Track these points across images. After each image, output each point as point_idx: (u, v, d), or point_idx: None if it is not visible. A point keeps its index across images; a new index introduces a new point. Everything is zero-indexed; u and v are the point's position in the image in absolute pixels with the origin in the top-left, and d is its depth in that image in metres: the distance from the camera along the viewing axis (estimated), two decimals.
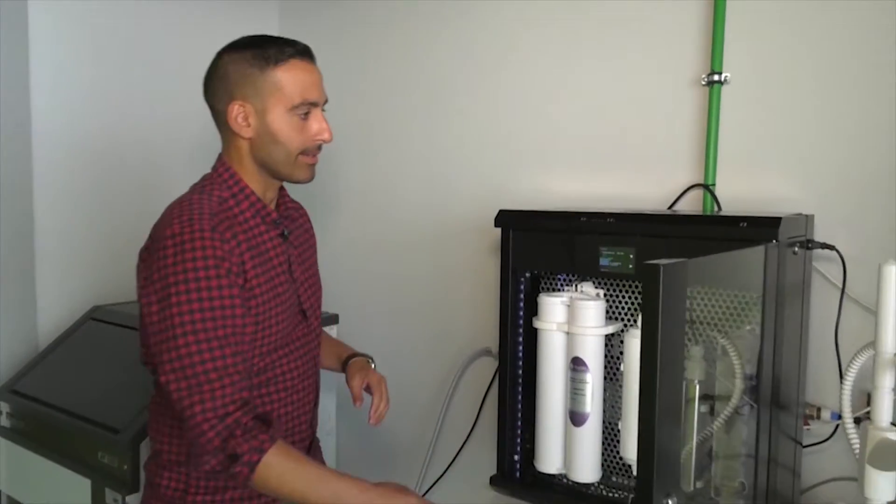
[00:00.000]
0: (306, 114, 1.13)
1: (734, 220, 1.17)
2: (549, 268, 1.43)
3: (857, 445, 1.19)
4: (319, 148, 1.17)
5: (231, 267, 1.05)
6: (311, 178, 1.18)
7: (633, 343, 1.31)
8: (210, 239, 1.03)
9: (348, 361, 1.38)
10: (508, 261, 1.44)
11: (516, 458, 1.48)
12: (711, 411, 1.29)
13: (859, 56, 1.31)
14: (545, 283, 1.51)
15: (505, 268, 1.45)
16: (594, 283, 1.42)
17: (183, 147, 2.00)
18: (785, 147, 1.40)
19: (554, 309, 1.39)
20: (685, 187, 1.51)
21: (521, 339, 1.47)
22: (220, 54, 1.15)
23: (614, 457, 1.42)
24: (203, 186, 1.14)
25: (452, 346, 1.86)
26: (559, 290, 1.49)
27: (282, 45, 1.13)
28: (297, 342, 1.20)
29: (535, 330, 1.42)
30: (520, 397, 1.48)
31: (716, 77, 1.44)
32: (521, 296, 1.47)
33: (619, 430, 1.39)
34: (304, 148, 1.15)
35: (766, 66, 1.42)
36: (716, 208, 1.46)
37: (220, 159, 1.18)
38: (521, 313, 1.47)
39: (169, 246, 1.02)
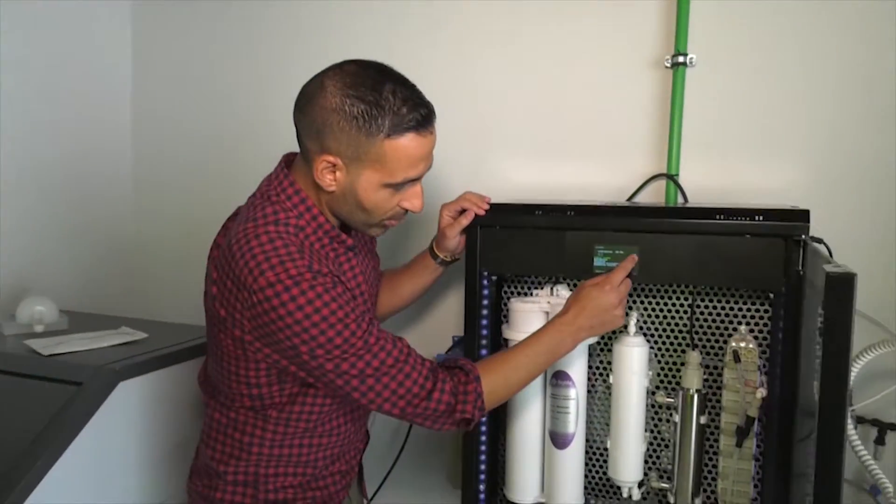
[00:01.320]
0: (404, 186, 1.03)
1: (749, 213, 1.06)
2: (527, 270, 1.25)
3: (860, 447, 1.14)
4: (406, 213, 1.08)
5: (336, 281, 0.99)
6: (381, 234, 1.14)
7: (626, 353, 1.17)
8: (310, 272, 0.96)
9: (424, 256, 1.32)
10: (476, 262, 1.23)
11: (481, 488, 1.28)
12: (712, 423, 1.19)
13: (833, 36, 1.26)
14: (510, 287, 1.32)
15: (471, 271, 1.24)
16: (568, 285, 1.26)
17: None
18: (754, 134, 1.33)
19: (530, 317, 1.21)
20: (646, 177, 1.40)
21: (485, 352, 1.27)
22: (326, 84, 0.99)
23: (599, 479, 1.28)
24: (275, 211, 1.03)
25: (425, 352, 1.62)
26: (526, 293, 1.31)
27: (404, 108, 0.98)
28: None
29: (507, 341, 1.24)
30: (485, 419, 1.28)
31: (680, 59, 1.33)
32: (486, 302, 1.26)
33: (605, 450, 1.25)
34: (391, 216, 1.07)
35: (735, 47, 1.33)
36: (680, 199, 1.36)
37: (289, 177, 1.06)
38: (486, 322, 1.27)
39: (272, 297, 0.95)
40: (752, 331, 1.17)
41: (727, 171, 1.35)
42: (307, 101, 1.00)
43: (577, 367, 1.20)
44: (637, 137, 1.41)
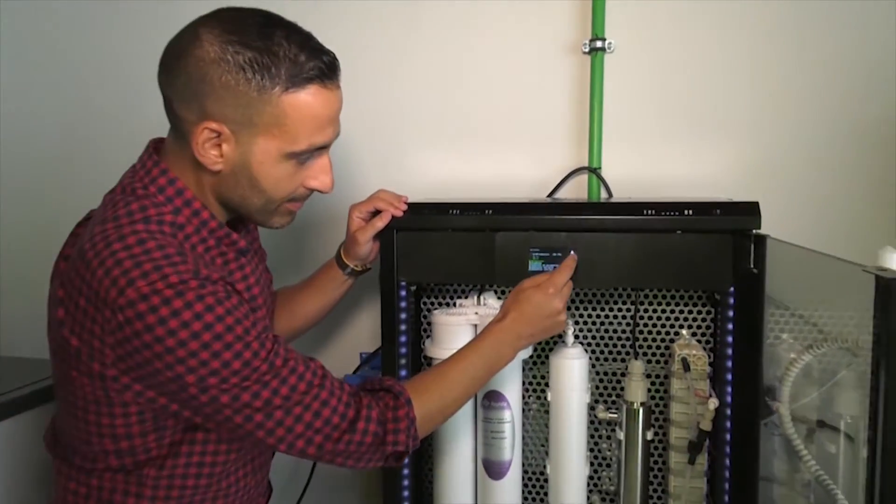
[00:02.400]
0: (309, 157, 0.85)
1: (697, 207, 0.96)
2: (452, 278, 1.09)
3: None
4: (311, 192, 0.90)
5: (229, 290, 0.78)
6: (287, 224, 0.92)
7: (565, 366, 1.05)
8: (195, 279, 0.75)
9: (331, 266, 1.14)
10: (392, 271, 1.06)
11: None
12: (656, 438, 1.09)
13: (759, 17, 1.20)
14: (430, 297, 1.17)
15: (387, 281, 1.07)
16: (496, 292, 1.12)
17: None
18: (678, 123, 1.25)
19: (457, 332, 1.06)
20: (567, 171, 1.29)
21: (406, 373, 1.11)
22: (201, 33, 0.78)
23: None
24: (143, 207, 0.80)
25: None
26: (448, 303, 1.16)
27: (302, 55, 0.79)
28: None
29: (431, 360, 1.08)
30: None
31: (598, 44, 1.24)
32: (404, 315, 1.10)
33: (542, 475, 1.12)
34: (293, 195, 0.88)
35: (655, 30, 1.25)
36: (604, 194, 1.26)
37: (160, 164, 0.84)
38: (405, 338, 1.11)
39: (145, 313, 0.73)
40: (694, 335, 1.08)
41: (651, 162, 1.27)
42: (177, 58, 0.80)
43: (511, 386, 1.06)
44: (556, 128, 1.30)
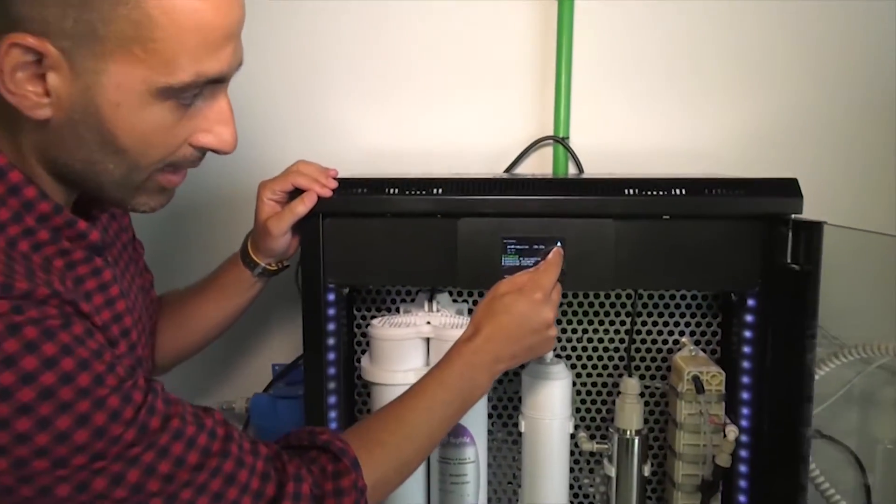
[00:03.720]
0: (196, 96, 0.56)
1: (725, 186, 0.75)
2: (399, 278, 0.83)
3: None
4: (202, 158, 0.60)
5: (69, 314, 0.50)
6: (161, 207, 0.62)
7: (544, 388, 0.82)
8: (9, 299, 0.47)
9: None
10: (318, 271, 0.80)
11: None
12: (658, 479, 0.88)
13: None
14: (366, 303, 0.91)
15: (312, 284, 0.80)
16: (451, 294, 0.88)
17: None
18: (665, 85, 1.04)
19: (405, 350, 0.81)
20: (528, 141, 1.05)
21: (335, 399, 0.85)
22: None
23: None
24: None
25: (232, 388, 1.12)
26: (389, 309, 0.91)
27: None
28: None
29: (372, 386, 0.83)
30: None
31: None
32: (333, 326, 0.84)
33: None
34: (173, 159, 0.58)
35: None
36: (573, 170, 1.04)
37: None
38: (334, 356, 0.85)
39: None
40: (697, 342, 0.88)
41: (630, 131, 1.05)
42: None
43: (475, 417, 0.82)
44: (514, 88, 1.05)
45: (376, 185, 0.78)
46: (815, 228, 0.67)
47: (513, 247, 0.76)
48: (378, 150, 1.05)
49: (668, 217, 0.75)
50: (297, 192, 0.77)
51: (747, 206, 0.74)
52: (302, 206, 0.76)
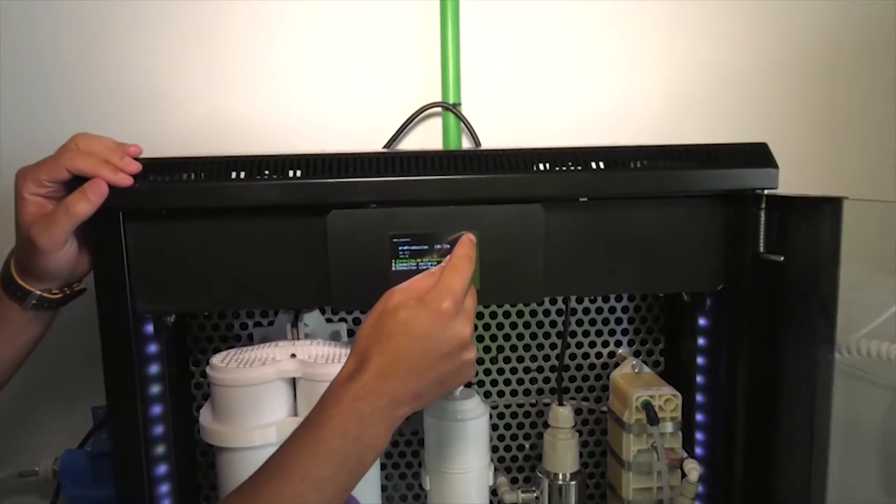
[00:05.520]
0: None
1: (688, 155, 0.57)
2: (242, 301, 0.58)
3: None
4: None
5: None
6: None
7: (456, 431, 0.62)
8: None
9: None
10: (124, 296, 0.54)
11: None
12: None
13: None
14: (199, 330, 0.66)
15: (113, 310, 0.54)
16: (324, 312, 0.66)
17: None
18: (567, 41, 0.86)
19: (266, 397, 0.58)
20: (411, 109, 0.84)
21: (167, 468, 0.61)
22: None
23: None
24: None
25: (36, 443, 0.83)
26: (239, 337, 0.67)
27: None
28: None
29: (219, 451, 0.59)
30: None
31: None
32: (156, 369, 0.59)
33: None
34: None
35: None
36: (467, 144, 0.84)
37: None
38: (161, 408, 0.60)
39: None
40: (637, 354, 0.70)
41: (532, 97, 0.86)
42: None
43: (365, 482, 0.60)
44: (392, 44, 0.83)
45: (205, 168, 0.53)
46: (834, 207, 0.50)
47: (406, 247, 0.54)
48: (209, 122, 0.79)
49: (617, 198, 0.56)
50: (77, 182, 0.51)
51: (712, 181, 0.56)
52: (84, 204, 0.50)
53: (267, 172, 0.53)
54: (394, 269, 0.55)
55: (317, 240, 0.54)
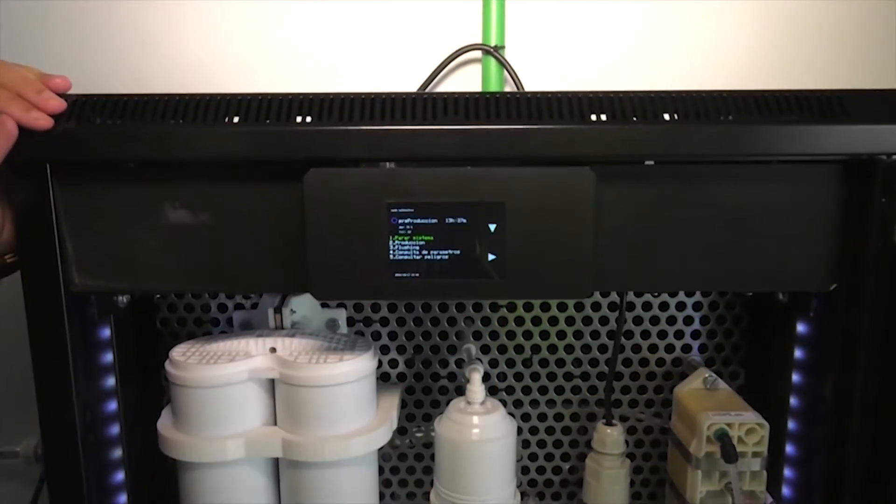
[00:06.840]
0: None
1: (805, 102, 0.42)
2: (191, 281, 0.46)
3: None
4: None
5: None
6: None
7: (477, 452, 0.49)
8: None
9: None
10: (55, 267, 0.43)
11: None
12: None
13: None
14: (170, 311, 0.55)
15: (43, 286, 0.43)
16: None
17: None
18: None
19: (234, 401, 0.46)
20: (452, 51, 0.70)
21: (122, 476, 0.50)
22: None
23: None
24: None
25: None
26: (211, 323, 0.55)
27: None
28: None
29: (175, 465, 0.48)
30: None
31: None
32: (110, 359, 0.48)
33: None
34: None
35: None
36: (508, 87, 0.69)
37: None
38: (116, 405, 0.49)
39: None
40: (710, 363, 0.56)
41: (588, 42, 0.71)
42: None
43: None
44: None
45: (152, 108, 0.41)
46: None
47: (407, 220, 0.41)
48: (205, 63, 0.67)
49: (695, 162, 0.41)
50: None
51: (832, 141, 0.40)
52: None
53: (227, 117, 0.40)
54: (391, 249, 0.41)
55: (291, 207, 0.41)
